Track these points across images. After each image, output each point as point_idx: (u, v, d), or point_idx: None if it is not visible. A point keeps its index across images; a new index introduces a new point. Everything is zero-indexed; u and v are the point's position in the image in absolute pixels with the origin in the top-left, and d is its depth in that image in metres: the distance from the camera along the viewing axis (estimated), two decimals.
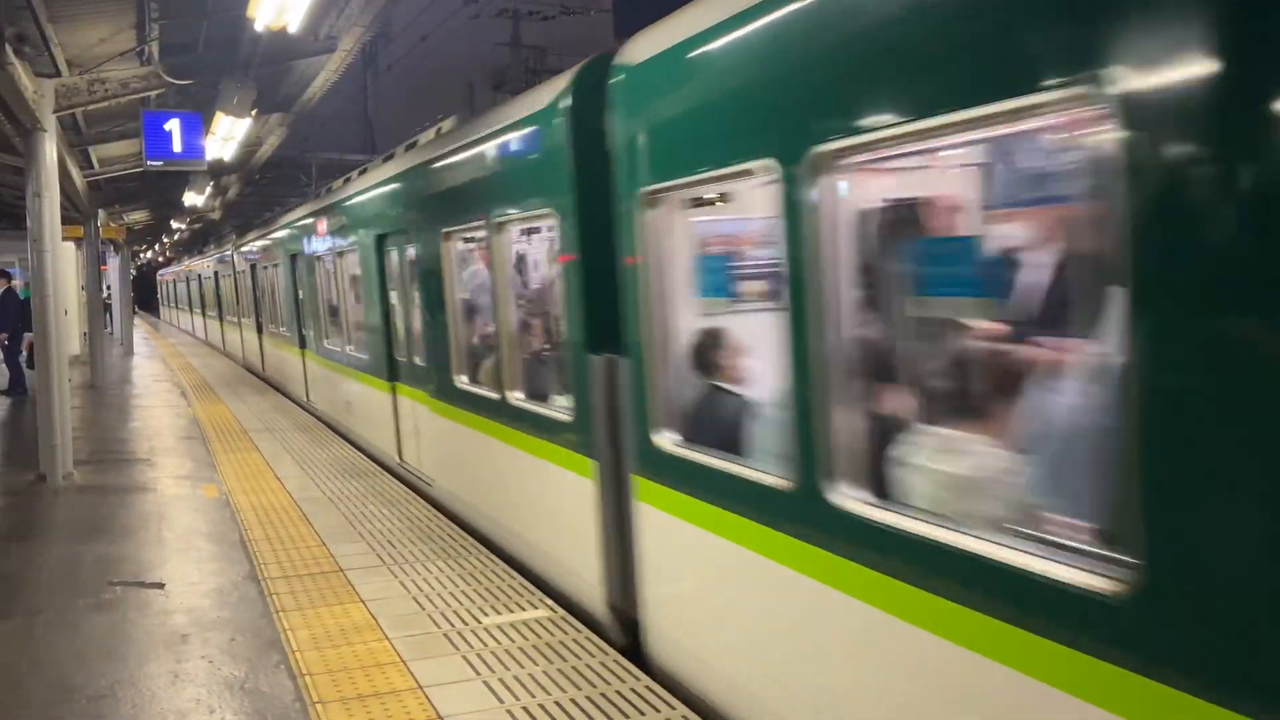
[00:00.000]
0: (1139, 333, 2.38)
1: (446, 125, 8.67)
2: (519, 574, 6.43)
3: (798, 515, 3.72)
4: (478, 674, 4.94)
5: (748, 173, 3.84)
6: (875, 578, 3.32)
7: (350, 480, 9.64)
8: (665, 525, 4.75)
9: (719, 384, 4.77)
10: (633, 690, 4.66)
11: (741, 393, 4.72)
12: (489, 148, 6.71)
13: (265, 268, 17.75)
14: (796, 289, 3.57)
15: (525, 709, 4.53)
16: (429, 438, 8.74)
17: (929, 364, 3.64)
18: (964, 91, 2.85)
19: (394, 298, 9.65)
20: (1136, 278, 2.37)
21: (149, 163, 12.75)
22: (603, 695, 4.63)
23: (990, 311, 3.51)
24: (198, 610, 6.08)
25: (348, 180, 12.56)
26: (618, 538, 5.34)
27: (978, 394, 3.44)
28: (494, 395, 6.86)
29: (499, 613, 5.77)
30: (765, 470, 3.94)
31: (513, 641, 5.32)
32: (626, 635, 5.37)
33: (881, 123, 3.17)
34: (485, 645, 5.29)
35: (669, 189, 4.54)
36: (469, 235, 7.57)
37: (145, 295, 60.96)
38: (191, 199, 22.23)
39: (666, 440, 4.68)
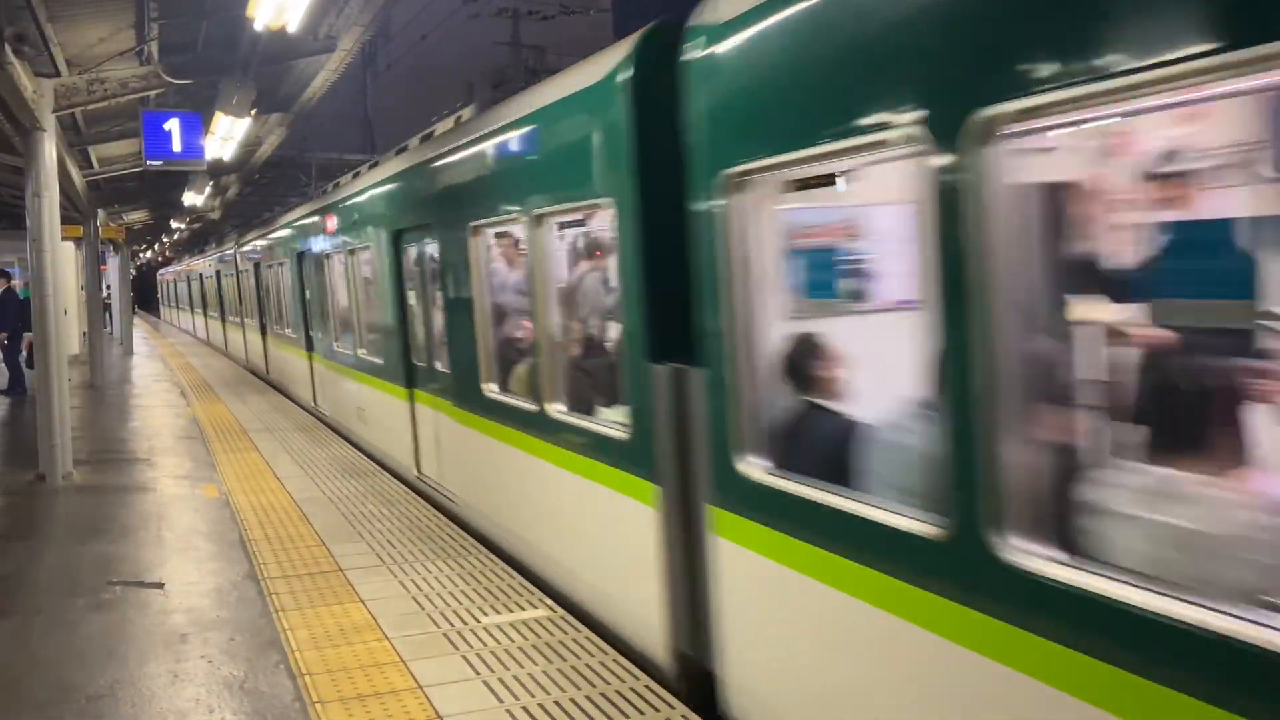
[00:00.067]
0: None
1: (466, 114, 8.19)
2: (561, 605, 5.87)
3: (952, 570, 3.01)
4: (477, 674, 4.94)
5: (880, 144, 3.18)
6: (1071, 657, 2.60)
7: (350, 480, 9.64)
8: (755, 567, 4.04)
9: (816, 400, 4.08)
10: (632, 690, 4.66)
11: (843, 411, 4.04)
12: (527, 131, 6.04)
13: (270, 266, 17.31)
14: (967, 286, 2.85)
15: (525, 709, 4.53)
16: (452, 450, 8.09)
17: (1159, 386, 2.91)
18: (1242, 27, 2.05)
19: (412, 298, 9.03)
20: None
21: (148, 162, 12.78)
22: (602, 695, 4.63)
23: (1257, 317, 2.80)
24: (197, 610, 6.08)
25: (357, 175, 12.17)
26: (687, 575, 4.68)
27: (1214, 425, 2.76)
28: (530, 406, 6.21)
29: (498, 612, 5.77)
30: (899, 512, 3.25)
31: (512, 641, 5.32)
32: (690, 683, 4.72)
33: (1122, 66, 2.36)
34: (485, 645, 5.29)
35: (763, 169, 3.86)
36: (502, 229, 7.02)
37: (145, 295, 61.02)
38: (191, 199, 22.27)
39: (755, 467, 4.00)
